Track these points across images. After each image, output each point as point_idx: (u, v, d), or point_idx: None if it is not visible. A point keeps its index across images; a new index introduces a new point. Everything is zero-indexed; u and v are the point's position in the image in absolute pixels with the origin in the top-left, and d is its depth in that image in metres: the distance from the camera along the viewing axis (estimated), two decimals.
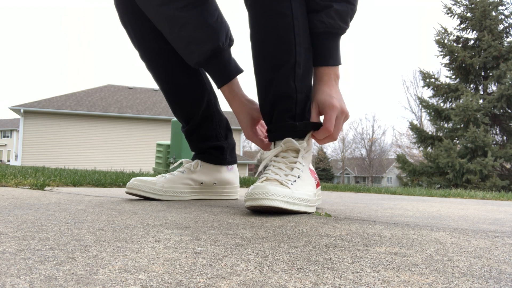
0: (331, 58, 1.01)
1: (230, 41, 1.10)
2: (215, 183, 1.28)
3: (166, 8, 1.05)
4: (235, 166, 1.35)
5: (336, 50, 1.02)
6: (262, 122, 1.15)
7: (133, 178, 1.17)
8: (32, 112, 16.37)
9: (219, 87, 1.11)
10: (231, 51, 1.11)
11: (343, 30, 1.01)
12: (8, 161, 35.14)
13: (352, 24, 1.03)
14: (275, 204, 0.83)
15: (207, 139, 1.28)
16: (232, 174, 1.33)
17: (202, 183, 1.25)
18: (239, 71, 1.12)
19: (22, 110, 16.08)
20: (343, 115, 1.01)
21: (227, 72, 1.09)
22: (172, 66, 1.21)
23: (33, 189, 1.47)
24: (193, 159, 1.30)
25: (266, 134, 1.08)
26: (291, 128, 0.99)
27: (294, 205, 0.87)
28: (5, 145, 39.99)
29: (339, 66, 1.03)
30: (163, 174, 1.22)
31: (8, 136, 40.38)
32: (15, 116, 18.45)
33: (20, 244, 0.51)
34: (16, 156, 18.37)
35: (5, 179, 1.68)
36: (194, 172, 1.24)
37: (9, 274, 0.37)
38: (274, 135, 1.02)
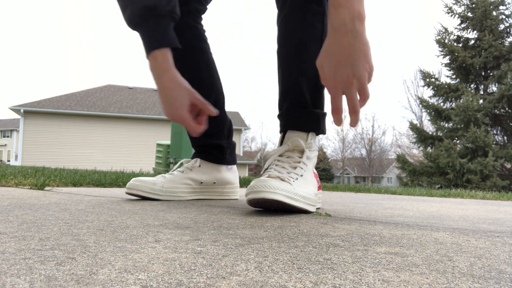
0: None
1: (172, 11, 0.95)
2: (214, 183, 1.28)
3: None
4: (234, 166, 1.35)
5: None
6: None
7: (133, 179, 1.17)
8: (32, 112, 16.37)
9: (150, 50, 0.94)
10: (172, 25, 0.97)
11: None
12: (8, 161, 35.14)
13: None
14: (276, 197, 0.83)
15: (209, 136, 1.27)
16: (232, 174, 1.32)
17: (202, 182, 1.25)
18: (177, 43, 0.96)
19: (22, 110, 16.09)
20: (346, 88, 0.80)
21: (164, 37, 0.94)
22: (185, 60, 1.21)
23: (33, 189, 1.47)
24: (192, 157, 1.30)
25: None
26: (308, 117, 1.03)
27: (295, 201, 0.87)
28: (5, 145, 40.00)
29: None
30: (163, 174, 1.22)
31: (8, 136, 40.39)
32: (15, 116, 18.46)
33: (20, 244, 0.51)
34: (16, 156, 18.37)
35: (5, 179, 1.68)
36: (193, 171, 1.24)
37: (9, 274, 0.37)
38: (290, 122, 1.04)
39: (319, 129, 1.05)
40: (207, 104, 0.97)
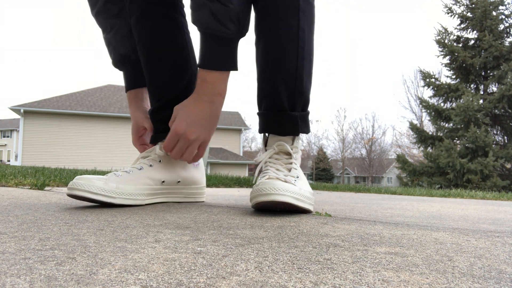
0: (200, 59, 0.93)
1: (115, 61, 1.23)
2: (179, 181, 1.11)
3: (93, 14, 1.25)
4: (201, 163, 1.19)
5: (206, 51, 0.93)
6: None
7: (77, 177, 0.94)
8: (32, 112, 16.38)
9: (125, 91, 1.25)
10: (131, 69, 1.22)
11: (221, 32, 0.90)
12: (8, 161, 35.15)
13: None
14: (286, 200, 0.83)
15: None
16: (198, 172, 1.17)
17: (163, 181, 1.07)
18: (135, 86, 1.22)
19: (22, 110, 16.09)
20: (187, 143, 0.97)
21: (126, 83, 1.24)
22: (159, 33, 1.11)
23: (33, 189, 1.47)
24: (152, 143, 1.13)
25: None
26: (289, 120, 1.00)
27: (302, 202, 0.88)
28: (5, 145, 40.01)
29: (215, 72, 0.93)
30: (115, 172, 1.02)
31: (8, 136, 40.40)
32: (15, 116, 18.47)
33: (20, 244, 0.51)
34: (16, 156, 18.38)
35: (5, 179, 1.68)
36: (154, 167, 1.06)
37: (9, 274, 0.37)
38: (271, 125, 1.03)
39: (298, 132, 1.02)
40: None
